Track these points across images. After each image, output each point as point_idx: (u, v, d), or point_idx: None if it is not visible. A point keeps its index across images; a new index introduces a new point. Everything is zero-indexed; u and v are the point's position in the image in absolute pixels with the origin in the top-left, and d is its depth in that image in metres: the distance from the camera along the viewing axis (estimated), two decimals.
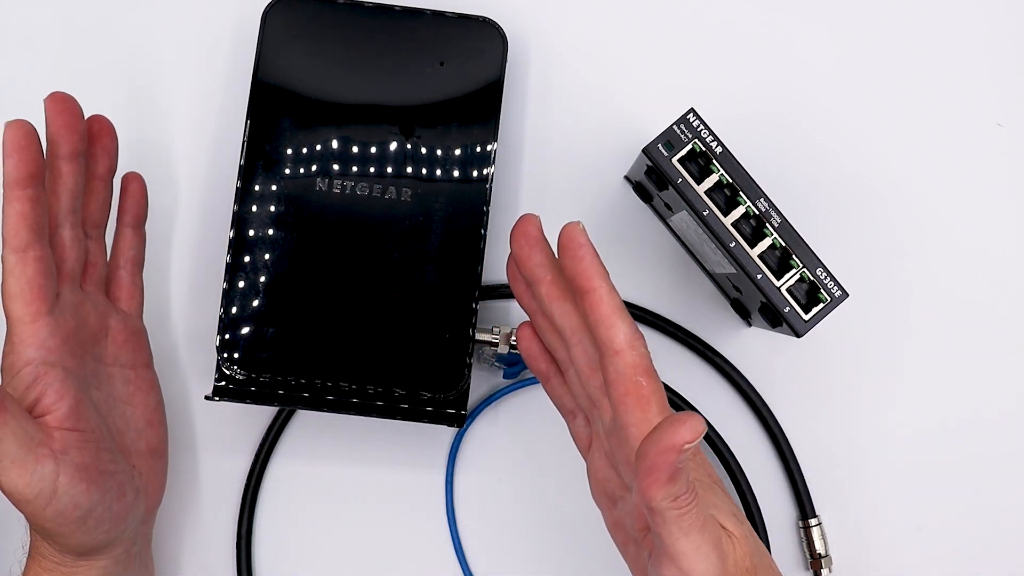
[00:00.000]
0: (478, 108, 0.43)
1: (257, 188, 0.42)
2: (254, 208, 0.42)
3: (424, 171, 0.42)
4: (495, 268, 0.46)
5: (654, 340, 0.46)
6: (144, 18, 0.47)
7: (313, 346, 0.41)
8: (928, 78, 0.48)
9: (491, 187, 0.42)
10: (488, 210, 0.42)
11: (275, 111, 0.42)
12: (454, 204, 0.42)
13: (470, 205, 0.42)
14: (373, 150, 0.42)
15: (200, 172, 0.46)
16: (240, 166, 0.42)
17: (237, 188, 0.42)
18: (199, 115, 0.47)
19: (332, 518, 0.46)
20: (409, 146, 0.42)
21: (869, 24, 0.48)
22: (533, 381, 0.46)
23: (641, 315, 0.46)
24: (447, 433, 0.46)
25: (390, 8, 0.43)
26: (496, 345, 0.42)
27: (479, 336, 0.42)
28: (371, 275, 0.42)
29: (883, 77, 0.48)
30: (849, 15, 0.48)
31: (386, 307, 0.42)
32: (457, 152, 0.42)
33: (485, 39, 0.43)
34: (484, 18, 0.43)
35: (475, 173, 0.42)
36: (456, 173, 0.42)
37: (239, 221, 0.42)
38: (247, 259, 0.42)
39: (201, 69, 0.47)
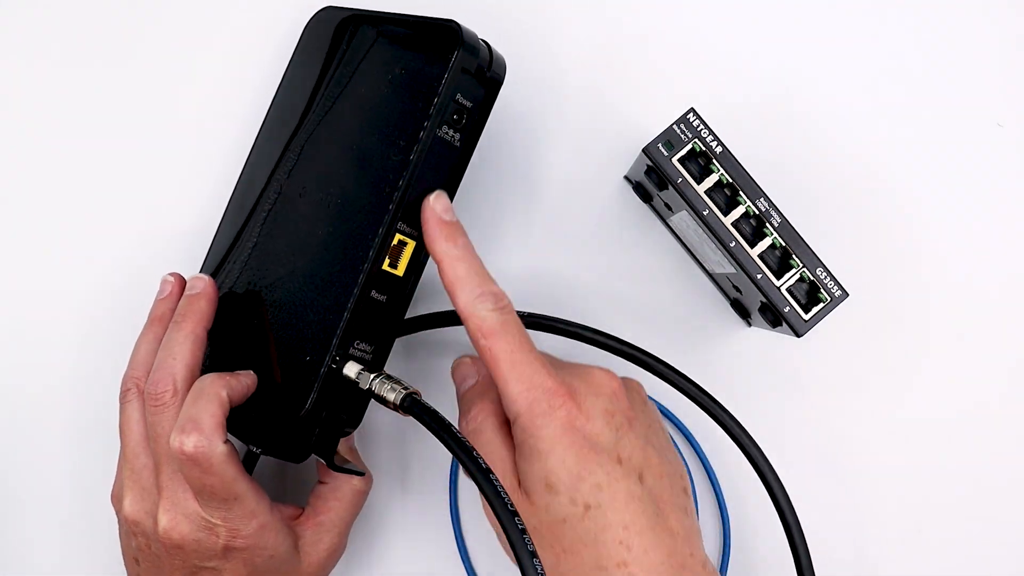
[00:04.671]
0: (410, 120, 0.37)
1: (246, 182, 0.43)
2: (238, 200, 0.43)
3: (343, 180, 0.39)
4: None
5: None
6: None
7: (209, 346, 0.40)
8: (928, 78, 0.48)
9: (401, 200, 0.37)
10: (389, 230, 0.37)
11: (287, 118, 0.42)
12: (356, 218, 0.38)
13: (367, 219, 0.37)
14: (312, 154, 0.41)
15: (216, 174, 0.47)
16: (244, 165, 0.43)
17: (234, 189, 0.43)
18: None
19: None
20: (341, 153, 0.39)
21: (869, 24, 0.48)
22: None
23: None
24: None
25: (375, 14, 0.42)
26: (356, 385, 0.37)
27: (346, 371, 0.37)
28: (276, 281, 0.40)
29: (883, 77, 0.48)
30: (849, 15, 0.48)
31: (277, 317, 0.39)
32: (377, 160, 0.38)
33: (441, 45, 0.38)
34: (445, 20, 0.38)
35: (384, 186, 0.37)
36: (368, 186, 0.38)
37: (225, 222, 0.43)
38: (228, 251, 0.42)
39: (210, 59, 0.48)
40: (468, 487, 0.46)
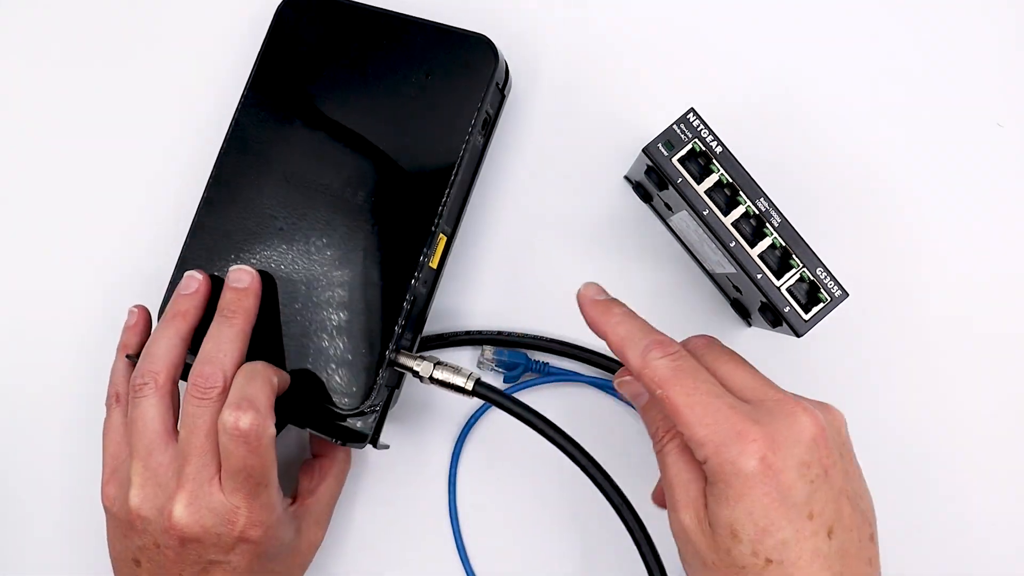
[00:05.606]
0: (448, 125, 0.41)
1: (226, 173, 0.43)
2: (219, 192, 0.43)
3: (379, 175, 0.41)
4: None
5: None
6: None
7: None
8: (928, 78, 0.48)
9: (451, 191, 0.41)
10: (438, 224, 0.41)
11: (264, 103, 0.43)
12: (401, 212, 0.41)
13: (417, 214, 0.41)
14: (338, 149, 0.42)
15: (186, 155, 0.47)
16: (220, 151, 0.43)
17: (212, 171, 0.43)
18: (197, 102, 0.47)
19: (335, 525, 0.46)
20: (371, 149, 0.42)
21: (870, 23, 0.48)
22: (532, 383, 0.46)
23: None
24: (450, 435, 0.46)
25: (393, 14, 0.43)
26: (417, 373, 0.40)
27: (402, 360, 0.40)
28: (311, 272, 0.41)
29: (883, 77, 0.48)
30: (850, 14, 0.48)
31: (312, 310, 0.41)
32: (414, 159, 0.41)
33: (476, 58, 0.42)
34: (479, 35, 0.42)
35: (432, 181, 0.41)
36: (410, 182, 0.41)
37: (204, 204, 0.43)
38: (203, 240, 0.42)
39: (211, 60, 0.48)
40: (467, 487, 0.46)
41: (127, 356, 0.42)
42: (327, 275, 0.41)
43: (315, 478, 0.42)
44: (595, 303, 0.37)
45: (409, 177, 0.41)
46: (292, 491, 0.42)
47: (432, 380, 0.40)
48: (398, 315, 0.40)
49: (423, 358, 0.40)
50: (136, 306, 0.43)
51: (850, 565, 0.33)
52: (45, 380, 0.47)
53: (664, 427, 0.36)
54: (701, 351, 0.37)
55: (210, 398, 0.37)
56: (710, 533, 0.33)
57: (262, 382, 0.37)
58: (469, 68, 0.42)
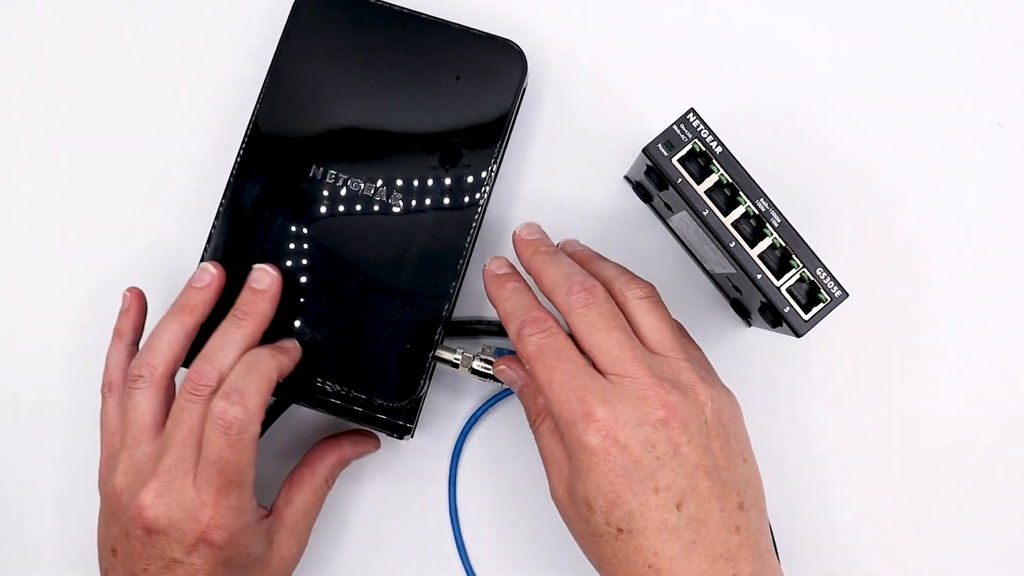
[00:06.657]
0: (482, 130, 0.43)
1: (251, 172, 0.42)
2: (244, 187, 0.42)
3: (416, 182, 0.42)
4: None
5: None
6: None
7: (277, 331, 0.41)
8: (929, 78, 0.48)
9: (484, 206, 0.42)
10: (475, 229, 0.42)
11: (285, 99, 0.43)
12: (442, 217, 0.42)
13: (457, 221, 0.42)
14: (370, 153, 0.43)
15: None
16: (240, 147, 0.43)
17: (234, 164, 0.43)
18: (213, 98, 0.47)
19: (334, 525, 0.46)
20: (407, 155, 0.42)
21: (870, 23, 0.48)
22: None
23: None
24: (450, 435, 0.46)
25: (418, 15, 0.43)
26: (456, 366, 0.41)
27: (441, 354, 0.41)
28: (346, 272, 0.42)
29: (883, 77, 0.48)
30: (850, 14, 0.48)
31: (356, 306, 0.41)
32: (452, 169, 0.42)
33: (505, 63, 0.43)
34: (508, 41, 0.43)
35: (468, 192, 0.42)
36: (448, 189, 0.42)
37: (229, 198, 0.42)
38: (227, 237, 0.42)
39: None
40: (467, 487, 0.46)
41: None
42: (373, 271, 0.42)
43: (292, 488, 0.41)
44: (494, 277, 0.39)
45: (451, 177, 0.42)
46: (272, 503, 0.42)
47: (472, 371, 0.41)
48: (446, 309, 0.41)
49: (460, 350, 0.41)
50: (129, 289, 0.42)
51: (707, 534, 0.34)
52: (40, 379, 0.47)
53: (537, 408, 0.38)
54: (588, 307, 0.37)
55: (202, 396, 0.37)
56: (573, 505, 0.36)
57: (259, 377, 0.37)
58: (499, 74, 0.43)
